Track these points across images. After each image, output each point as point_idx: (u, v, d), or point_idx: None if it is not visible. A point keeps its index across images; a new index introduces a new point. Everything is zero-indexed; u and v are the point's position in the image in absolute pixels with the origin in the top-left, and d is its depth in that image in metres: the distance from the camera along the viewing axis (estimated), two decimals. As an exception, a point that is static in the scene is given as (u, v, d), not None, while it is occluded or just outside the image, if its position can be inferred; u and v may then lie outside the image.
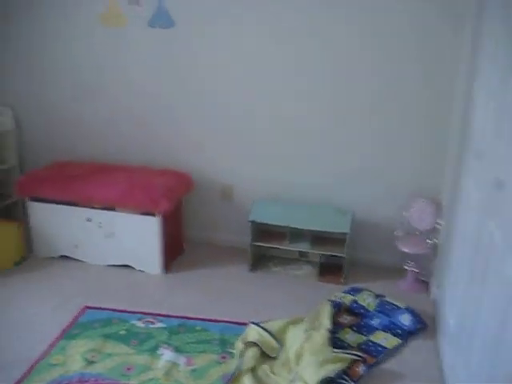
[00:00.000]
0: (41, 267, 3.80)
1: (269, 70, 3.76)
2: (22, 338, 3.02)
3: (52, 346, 2.94)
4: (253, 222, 3.74)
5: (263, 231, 3.87)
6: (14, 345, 2.96)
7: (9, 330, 3.09)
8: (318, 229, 3.70)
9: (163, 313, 3.27)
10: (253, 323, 3.02)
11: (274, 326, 3.03)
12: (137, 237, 3.69)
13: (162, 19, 3.85)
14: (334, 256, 3.74)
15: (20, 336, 3.04)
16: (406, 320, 3.16)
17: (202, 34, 3.80)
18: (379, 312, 3.27)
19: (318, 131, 3.80)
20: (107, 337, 3.01)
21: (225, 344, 2.98)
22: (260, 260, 3.96)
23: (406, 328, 3.11)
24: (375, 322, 3.20)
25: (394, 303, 3.32)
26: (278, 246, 3.82)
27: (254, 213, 3.78)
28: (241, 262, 3.91)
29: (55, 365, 2.78)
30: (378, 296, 3.42)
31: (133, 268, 3.78)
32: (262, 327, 2.98)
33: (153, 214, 3.62)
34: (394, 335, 3.07)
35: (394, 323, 3.16)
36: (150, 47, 3.94)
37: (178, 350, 2.92)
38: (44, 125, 4.38)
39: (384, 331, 3.11)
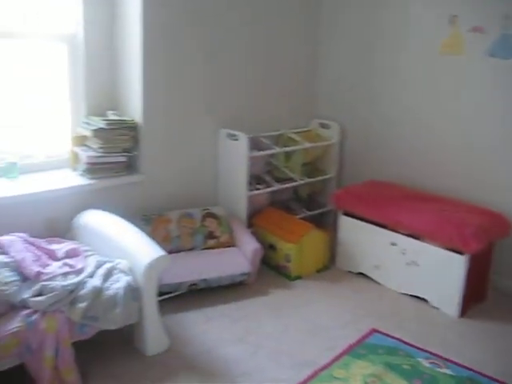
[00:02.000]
0: (339, 280, 3.96)
1: None
2: (310, 343, 3.17)
3: (337, 358, 3.01)
4: None
5: None
6: (303, 347, 3.12)
7: (300, 332, 3.28)
8: None
9: (451, 358, 3.08)
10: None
11: None
12: (439, 272, 3.55)
13: (504, 48, 3.60)
14: None
15: (309, 340, 3.20)
16: None
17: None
18: None
19: None
20: (389, 366, 2.96)
21: (516, 415, 2.68)
22: None
23: None
24: None
25: None
26: None
27: None
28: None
29: (337, 378, 2.83)
30: None
31: (427, 302, 3.66)
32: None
33: (460, 253, 3.44)
34: None
35: None
36: (486, 78, 3.75)
37: (461, 404, 2.73)
38: (364, 142, 4.55)
39: None
